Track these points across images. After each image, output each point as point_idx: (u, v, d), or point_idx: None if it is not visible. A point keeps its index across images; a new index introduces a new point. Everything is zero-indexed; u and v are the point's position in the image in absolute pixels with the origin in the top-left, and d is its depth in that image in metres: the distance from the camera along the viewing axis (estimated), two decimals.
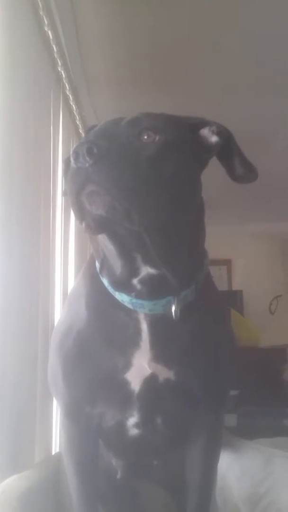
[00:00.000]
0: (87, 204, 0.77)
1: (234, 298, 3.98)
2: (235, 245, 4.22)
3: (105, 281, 0.95)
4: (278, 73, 2.05)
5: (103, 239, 0.91)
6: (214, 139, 0.92)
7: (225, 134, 0.92)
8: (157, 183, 0.80)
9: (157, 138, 0.82)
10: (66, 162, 0.78)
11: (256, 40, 1.84)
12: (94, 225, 0.80)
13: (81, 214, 0.79)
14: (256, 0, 1.64)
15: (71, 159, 0.76)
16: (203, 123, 0.93)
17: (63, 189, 1.05)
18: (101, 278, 0.96)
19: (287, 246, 4.28)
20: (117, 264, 0.91)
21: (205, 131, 0.92)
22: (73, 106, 2.03)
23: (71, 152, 0.77)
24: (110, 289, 0.94)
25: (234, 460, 1.34)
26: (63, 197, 1.59)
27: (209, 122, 0.93)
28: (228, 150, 0.93)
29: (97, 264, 0.97)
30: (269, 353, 3.25)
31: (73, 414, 1.02)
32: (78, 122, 2.12)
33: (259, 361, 3.08)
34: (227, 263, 4.32)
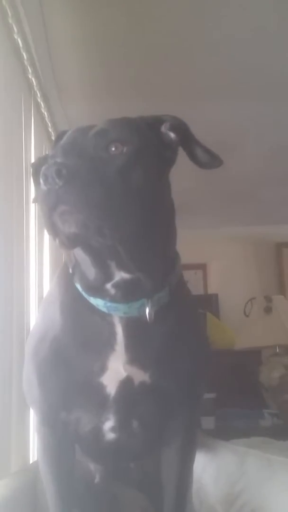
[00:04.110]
0: (60, 224, 0.78)
1: (210, 302, 4.00)
2: (210, 250, 4.24)
3: (78, 286, 0.96)
4: (247, 78, 2.09)
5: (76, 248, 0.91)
6: (172, 135, 0.93)
7: (180, 128, 0.93)
8: (128, 195, 0.81)
9: (125, 149, 0.83)
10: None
11: (226, 46, 1.87)
12: (67, 241, 0.80)
13: (55, 233, 0.80)
14: (228, 6, 1.67)
15: (41, 181, 0.77)
16: (160, 121, 0.94)
17: (34, 196, 1.05)
18: (75, 283, 0.96)
19: (260, 249, 4.34)
20: (90, 270, 0.92)
21: (163, 128, 0.94)
22: (45, 113, 2.02)
23: (40, 174, 0.77)
24: (84, 293, 0.95)
25: (209, 461, 1.35)
26: (35, 204, 1.59)
27: (164, 119, 0.94)
28: (188, 141, 0.94)
29: (70, 270, 0.98)
30: (245, 355, 3.27)
31: (49, 421, 1.01)
32: (50, 129, 2.12)
33: (235, 364, 3.10)
34: (202, 267, 4.34)
